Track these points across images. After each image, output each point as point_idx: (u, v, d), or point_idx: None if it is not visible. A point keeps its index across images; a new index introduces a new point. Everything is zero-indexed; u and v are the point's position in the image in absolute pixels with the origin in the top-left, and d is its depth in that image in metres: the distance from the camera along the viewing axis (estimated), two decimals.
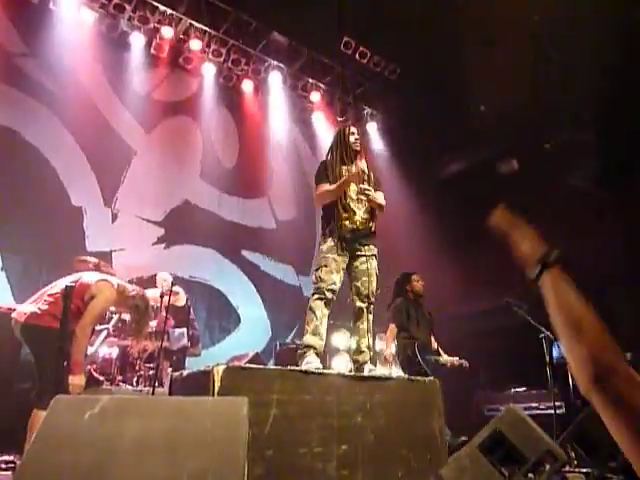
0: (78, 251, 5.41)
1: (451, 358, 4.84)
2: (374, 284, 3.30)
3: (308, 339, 3.09)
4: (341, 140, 3.52)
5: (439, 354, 4.88)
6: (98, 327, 4.20)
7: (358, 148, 3.51)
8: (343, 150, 3.48)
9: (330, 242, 3.27)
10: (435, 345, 5.00)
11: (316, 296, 3.17)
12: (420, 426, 2.91)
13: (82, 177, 6.43)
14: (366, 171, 3.42)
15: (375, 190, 3.41)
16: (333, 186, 3.31)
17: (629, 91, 5.88)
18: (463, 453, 2.76)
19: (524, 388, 5.25)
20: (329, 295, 3.15)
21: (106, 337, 4.19)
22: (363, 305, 3.27)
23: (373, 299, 3.31)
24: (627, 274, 6.03)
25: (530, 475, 2.55)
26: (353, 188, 3.34)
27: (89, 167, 6.49)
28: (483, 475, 2.58)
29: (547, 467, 2.60)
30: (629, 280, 5.86)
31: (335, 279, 3.18)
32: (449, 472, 2.71)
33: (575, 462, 3.15)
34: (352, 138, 3.48)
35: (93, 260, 4.02)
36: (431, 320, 5.06)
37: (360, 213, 3.33)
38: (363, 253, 3.30)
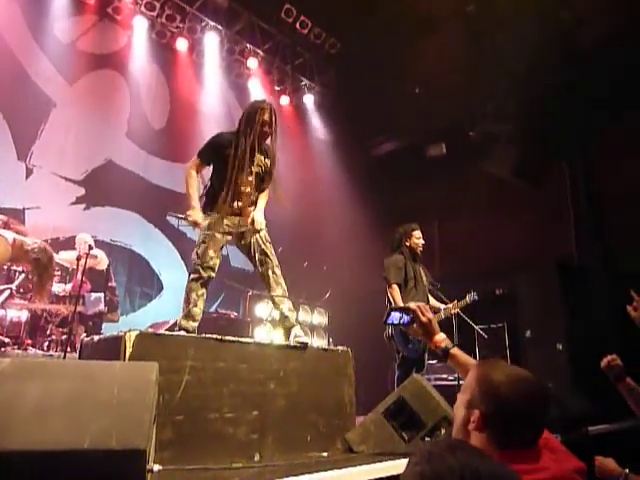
0: None
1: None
2: (271, 249, 3.33)
3: (181, 322, 3.08)
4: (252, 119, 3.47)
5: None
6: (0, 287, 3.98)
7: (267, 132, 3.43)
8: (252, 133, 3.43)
9: (212, 219, 3.24)
10: (436, 304, 4.73)
11: (192, 276, 3.14)
12: (331, 393, 3.05)
13: None
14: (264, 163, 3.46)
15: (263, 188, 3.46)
16: None
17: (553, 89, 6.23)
18: (369, 419, 2.94)
19: (435, 361, 5.60)
20: (205, 274, 3.12)
21: (9, 297, 3.97)
22: (269, 273, 3.28)
23: (276, 262, 3.32)
24: (530, 259, 6.55)
25: (427, 438, 2.77)
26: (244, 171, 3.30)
27: (1, 116, 6.00)
28: (385, 439, 2.77)
29: (443, 432, 2.83)
30: (531, 264, 6.36)
31: (213, 255, 3.16)
32: (354, 436, 2.88)
33: None
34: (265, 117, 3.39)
35: (2, 217, 3.79)
36: (428, 279, 4.74)
37: (245, 188, 3.32)
38: (249, 227, 3.30)
